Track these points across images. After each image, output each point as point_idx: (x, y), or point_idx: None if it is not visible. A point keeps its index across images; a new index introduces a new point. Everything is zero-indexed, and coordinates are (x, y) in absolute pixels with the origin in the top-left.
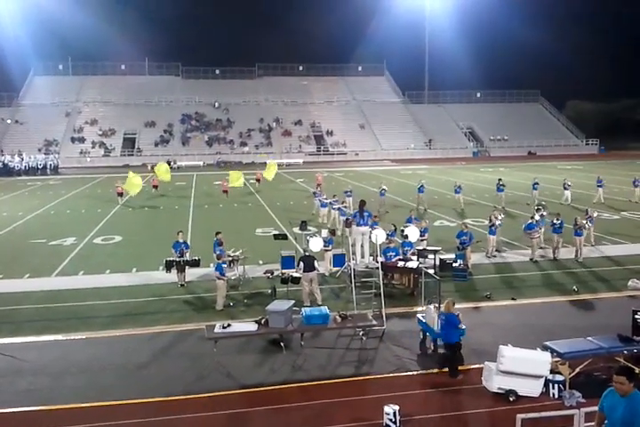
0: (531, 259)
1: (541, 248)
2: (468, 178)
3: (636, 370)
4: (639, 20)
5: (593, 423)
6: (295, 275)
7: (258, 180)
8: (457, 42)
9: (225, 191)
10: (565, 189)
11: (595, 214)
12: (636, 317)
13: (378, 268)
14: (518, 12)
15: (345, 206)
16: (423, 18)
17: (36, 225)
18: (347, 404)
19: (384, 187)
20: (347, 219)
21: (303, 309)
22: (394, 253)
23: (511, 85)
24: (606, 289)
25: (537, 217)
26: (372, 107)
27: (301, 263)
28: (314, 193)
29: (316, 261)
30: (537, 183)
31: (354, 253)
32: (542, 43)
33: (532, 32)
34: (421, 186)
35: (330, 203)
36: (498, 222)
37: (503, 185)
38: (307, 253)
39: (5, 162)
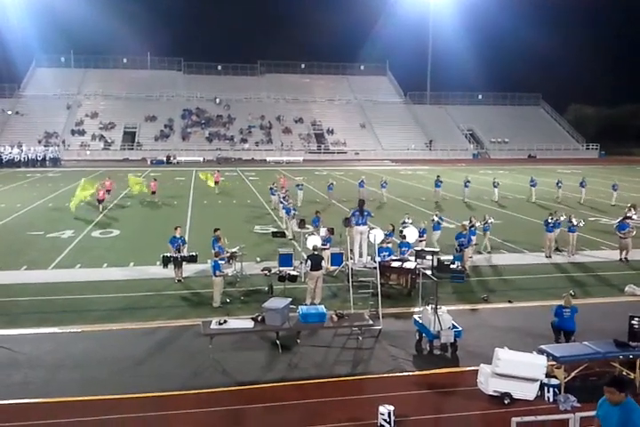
0: (623, 259)
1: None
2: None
3: (631, 375)
4: None
5: None
6: (293, 273)
7: (216, 182)
8: (460, 44)
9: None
10: (495, 187)
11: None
12: (633, 322)
13: (375, 267)
14: (522, 16)
15: (289, 202)
16: (427, 19)
17: (34, 217)
18: (342, 403)
19: (332, 181)
20: (346, 218)
21: (300, 307)
22: (387, 253)
23: (513, 88)
24: (604, 294)
25: (635, 217)
26: (374, 106)
27: (309, 261)
28: (270, 189)
29: (323, 261)
30: (469, 181)
31: (352, 253)
32: (545, 46)
33: (535, 35)
34: (361, 181)
35: (283, 198)
36: (478, 224)
37: (441, 181)
38: (315, 252)
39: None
